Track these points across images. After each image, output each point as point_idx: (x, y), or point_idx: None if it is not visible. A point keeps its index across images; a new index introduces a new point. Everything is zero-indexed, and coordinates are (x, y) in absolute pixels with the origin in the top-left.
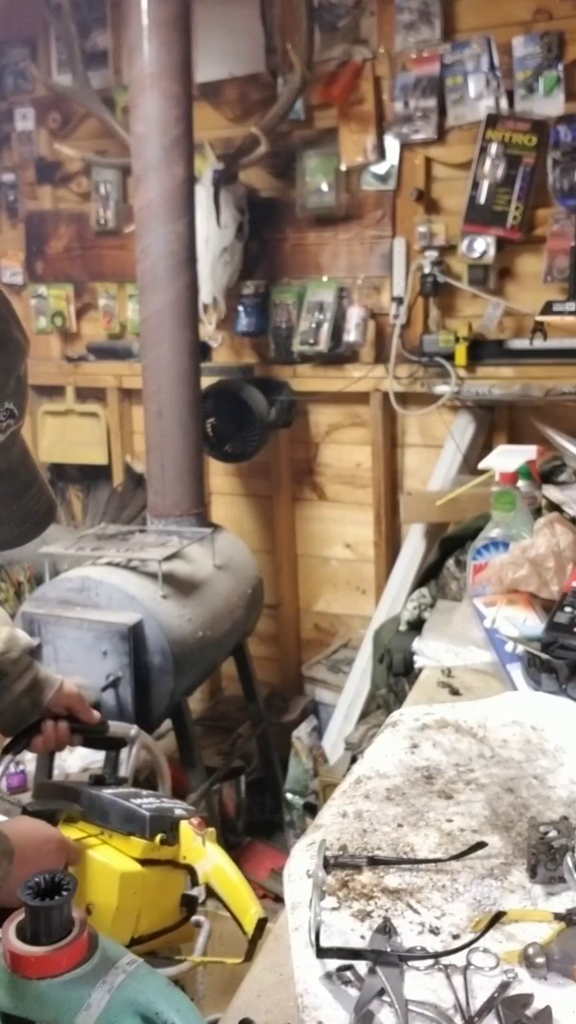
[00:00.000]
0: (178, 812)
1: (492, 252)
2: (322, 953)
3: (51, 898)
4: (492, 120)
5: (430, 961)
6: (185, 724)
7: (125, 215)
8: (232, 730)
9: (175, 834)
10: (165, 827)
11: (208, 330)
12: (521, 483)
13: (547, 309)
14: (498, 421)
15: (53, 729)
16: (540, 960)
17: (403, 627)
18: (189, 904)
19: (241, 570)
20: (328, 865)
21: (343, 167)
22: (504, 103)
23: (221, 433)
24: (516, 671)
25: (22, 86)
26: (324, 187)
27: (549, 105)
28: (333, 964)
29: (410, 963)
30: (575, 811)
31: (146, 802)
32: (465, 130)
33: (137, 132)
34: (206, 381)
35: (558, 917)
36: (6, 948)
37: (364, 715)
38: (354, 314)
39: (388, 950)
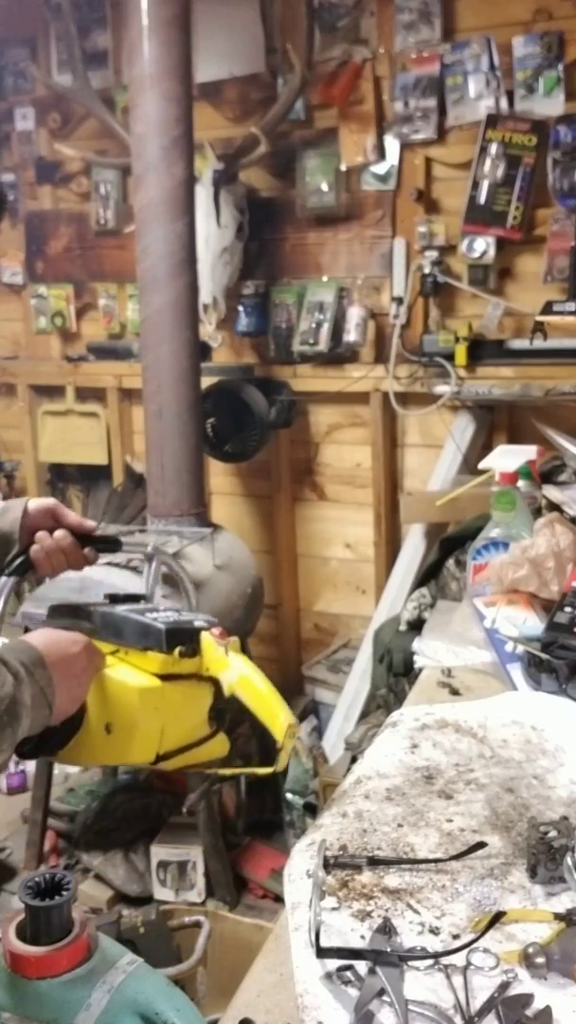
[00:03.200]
0: (198, 623)
1: (492, 252)
2: (322, 953)
3: (51, 898)
4: (492, 120)
5: (430, 961)
6: None
7: (125, 215)
8: (232, 730)
9: (195, 646)
10: (184, 639)
11: (208, 330)
12: (521, 483)
13: (547, 309)
14: (498, 421)
15: (51, 540)
16: (540, 960)
17: (403, 627)
18: (218, 717)
19: (241, 570)
20: (328, 865)
21: (343, 167)
22: (504, 103)
23: (221, 433)
24: (516, 671)
25: (22, 86)
26: (324, 187)
27: (549, 105)
28: (333, 964)
29: (410, 963)
30: (575, 811)
31: (162, 615)
32: (465, 130)
33: (137, 132)
34: (206, 381)
35: (558, 917)
36: (6, 948)
37: (364, 715)
38: (354, 314)
39: (388, 950)
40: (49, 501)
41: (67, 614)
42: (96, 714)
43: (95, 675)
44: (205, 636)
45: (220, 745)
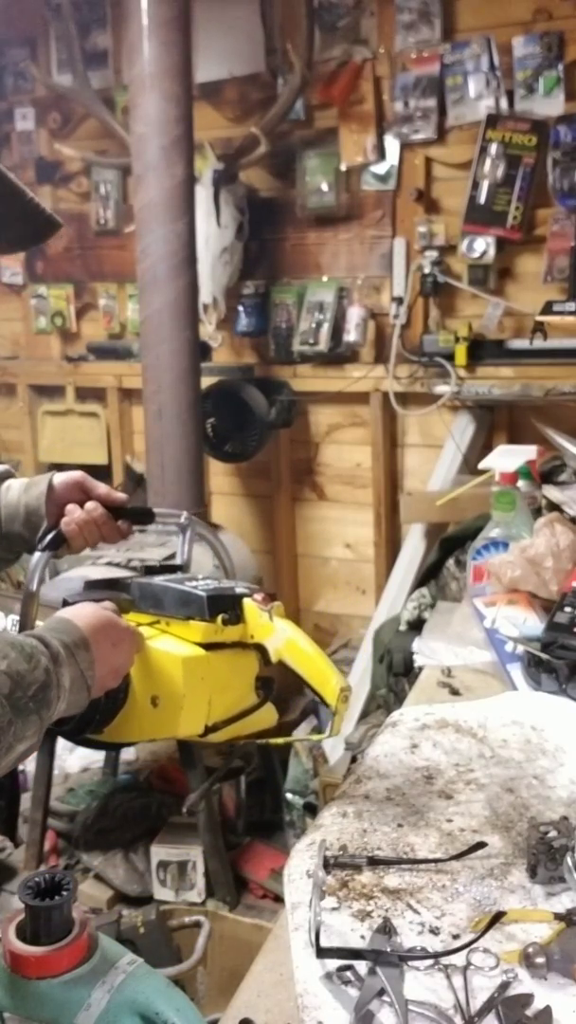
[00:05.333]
0: (239, 590)
1: (492, 252)
2: (322, 953)
3: (51, 898)
4: (492, 120)
5: (430, 961)
6: None
7: (125, 215)
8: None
9: (238, 613)
10: (226, 606)
11: (208, 330)
12: (521, 483)
13: (547, 309)
14: (498, 421)
15: (83, 513)
16: (540, 960)
17: (403, 627)
18: (265, 686)
19: (241, 570)
20: (328, 865)
21: (343, 167)
22: (504, 103)
23: (221, 433)
24: (516, 671)
25: (22, 86)
26: (324, 187)
27: (549, 105)
28: (333, 964)
29: (410, 963)
30: (575, 811)
31: (202, 584)
32: (465, 130)
33: (137, 132)
34: (206, 381)
35: (558, 917)
36: (6, 948)
37: (364, 715)
38: (354, 314)
39: (388, 950)
40: (76, 474)
41: (105, 587)
42: (141, 688)
43: (134, 657)
44: (248, 602)
45: (269, 715)
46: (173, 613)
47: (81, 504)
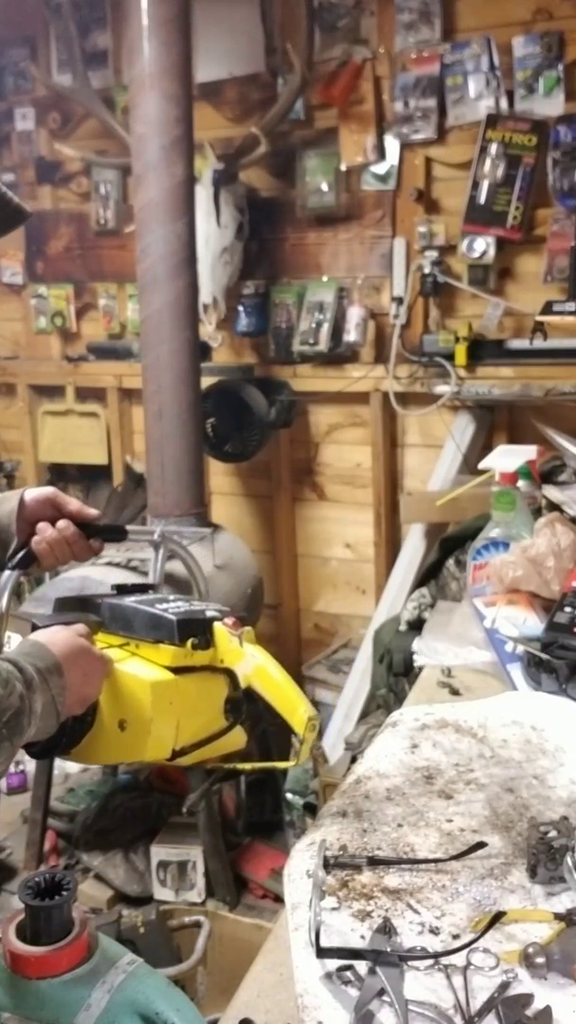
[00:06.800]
0: (210, 613)
1: (492, 252)
2: (322, 953)
3: (51, 898)
4: (492, 120)
5: (430, 961)
6: None
7: (125, 215)
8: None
9: (208, 637)
10: (196, 630)
11: (208, 330)
12: (521, 483)
13: (547, 309)
14: (498, 421)
15: (54, 531)
16: (540, 960)
17: (403, 627)
18: (234, 709)
19: (241, 570)
20: (328, 865)
21: (343, 167)
22: (504, 103)
23: (221, 433)
24: (516, 671)
25: (22, 86)
26: (324, 187)
27: (549, 105)
28: (333, 964)
29: (410, 963)
30: (575, 811)
31: (173, 606)
32: (465, 130)
33: (137, 132)
34: (206, 381)
35: (558, 917)
36: (6, 948)
37: (364, 715)
38: (354, 314)
39: (388, 950)
40: (48, 490)
41: (75, 607)
42: (109, 711)
43: (104, 681)
44: (218, 627)
45: (238, 738)
46: (143, 636)
47: (53, 521)
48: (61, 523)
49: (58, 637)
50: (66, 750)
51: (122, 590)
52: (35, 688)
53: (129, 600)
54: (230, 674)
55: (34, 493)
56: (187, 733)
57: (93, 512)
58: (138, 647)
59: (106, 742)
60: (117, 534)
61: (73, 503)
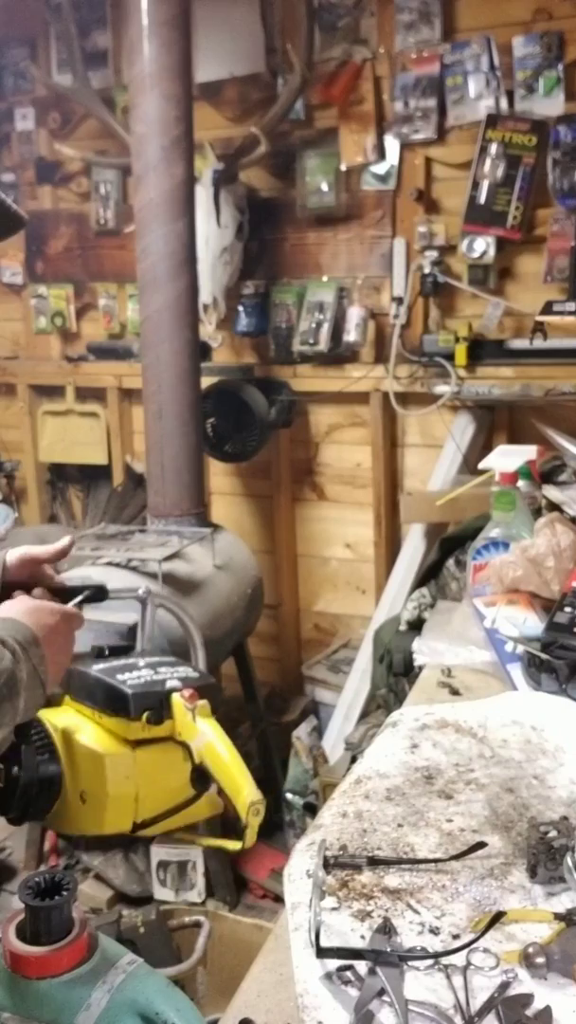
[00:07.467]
0: (170, 684)
1: (492, 252)
2: (322, 953)
3: (51, 898)
4: (492, 120)
5: (430, 961)
6: None
7: (125, 215)
8: (232, 730)
9: (165, 710)
10: (152, 703)
11: (208, 330)
12: (521, 483)
13: (547, 309)
14: (498, 421)
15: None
16: (540, 960)
17: (403, 627)
18: (200, 779)
19: (241, 570)
20: (328, 865)
21: (343, 167)
22: (504, 103)
23: (221, 433)
24: (516, 671)
25: (22, 86)
26: (324, 187)
27: (549, 105)
28: (333, 964)
29: (410, 963)
30: (575, 811)
31: (134, 676)
32: (465, 130)
33: (137, 132)
34: (206, 381)
35: (558, 917)
36: (6, 948)
37: (364, 715)
38: (354, 314)
39: (388, 950)
40: (23, 552)
41: None
42: (71, 782)
43: (73, 643)
44: (175, 699)
45: (209, 806)
46: (103, 707)
47: (28, 587)
48: (37, 592)
49: (25, 606)
50: (39, 816)
51: (100, 654)
52: (19, 658)
53: (94, 668)
54: (186, 747)
55: (14, 557)
56: (148, 805)
57: (64, 584)
58: (102, 717)
59: (70, 813)
60: (97, 596)
61: (47, 570)
